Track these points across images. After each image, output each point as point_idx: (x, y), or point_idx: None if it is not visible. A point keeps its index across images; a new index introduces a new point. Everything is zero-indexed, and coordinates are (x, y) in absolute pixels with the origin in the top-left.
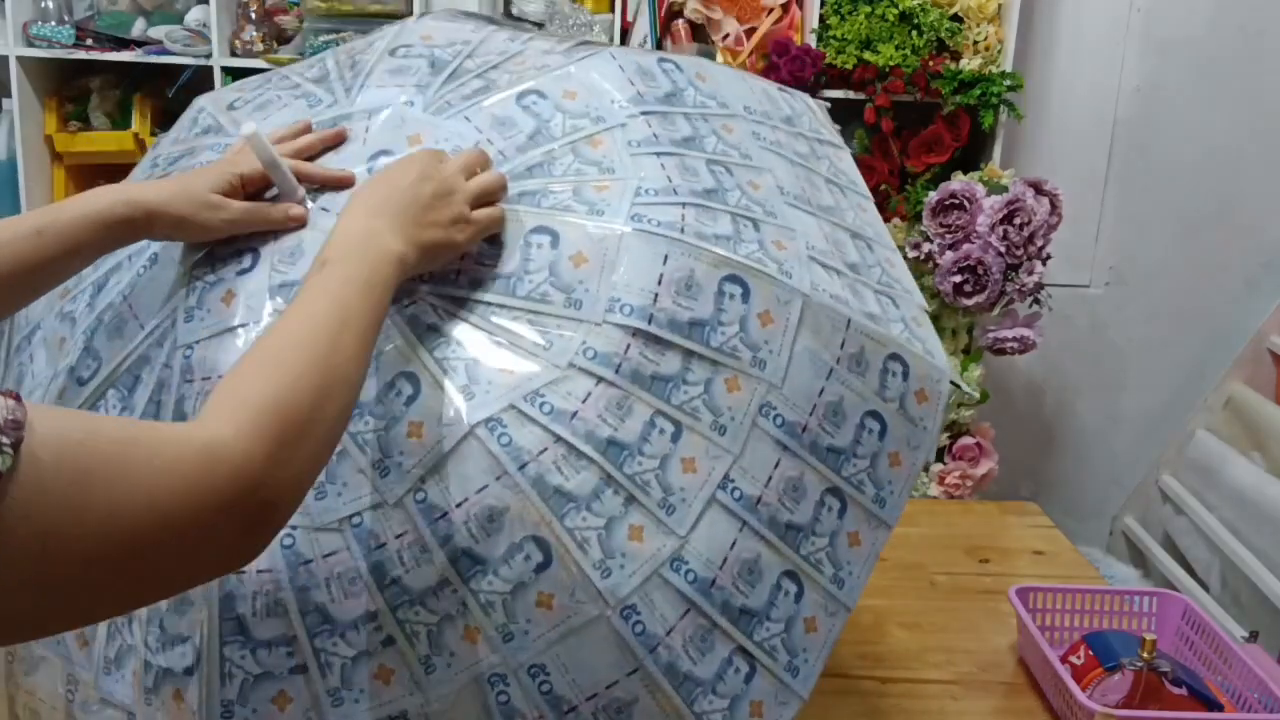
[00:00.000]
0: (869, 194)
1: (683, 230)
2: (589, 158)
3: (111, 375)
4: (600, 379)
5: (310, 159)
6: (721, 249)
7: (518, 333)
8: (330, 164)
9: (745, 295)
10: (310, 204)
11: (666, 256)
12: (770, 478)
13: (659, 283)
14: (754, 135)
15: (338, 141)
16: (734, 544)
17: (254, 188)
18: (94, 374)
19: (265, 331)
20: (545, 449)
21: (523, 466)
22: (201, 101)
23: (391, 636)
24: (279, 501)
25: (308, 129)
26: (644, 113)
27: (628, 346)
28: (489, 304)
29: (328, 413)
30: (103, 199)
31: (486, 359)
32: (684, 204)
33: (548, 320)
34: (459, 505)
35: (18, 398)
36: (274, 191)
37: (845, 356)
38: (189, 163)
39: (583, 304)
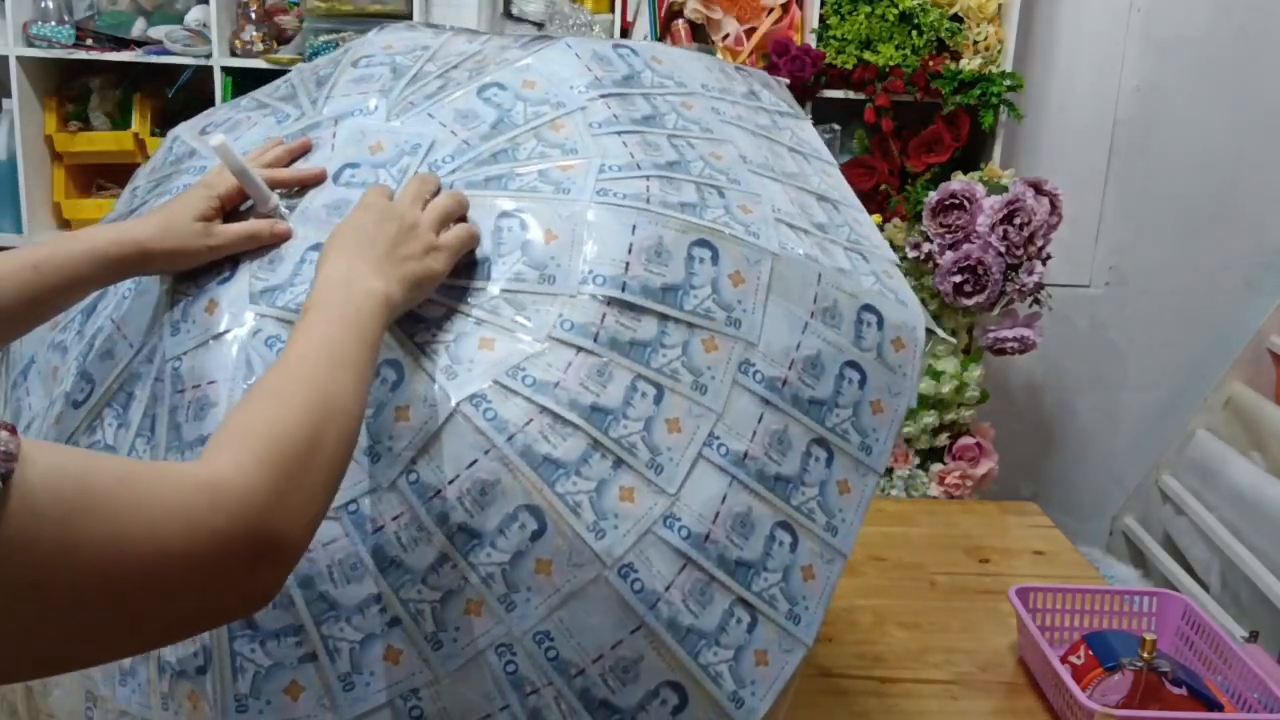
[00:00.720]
0: (834, 161)
1: (648, 200)
2: (552, 141)
3: (105, 395)
4: (579, 349)
5: None
6: (688, 215)
7: (496, 311)
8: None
9: (714, 258)
10: (284, 211)
11: (634, 226)
12: (755, 432)
13: (629, 252)
14: (714, 110)
15: (304, 151)
16: (724, 498)
17: (232, 205)
18: (88, 396)
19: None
20: (531, 420)
21: (510, 438)
22: (176, 131)
23: (397, 617)
24: (284, 538)
25: (278, 144)
26: (603, 95)
27: (604, 315)
28: (465, 288)
29: (327, 442)
30: (99, 238)
31: (467, 339)
32: (648, 176)
33: (524, 298)
34: (451, 482)
35: (12, 430)
36: (249, 203)
37: (819, 310)
38: (167, 187)
39: (556, 279)
